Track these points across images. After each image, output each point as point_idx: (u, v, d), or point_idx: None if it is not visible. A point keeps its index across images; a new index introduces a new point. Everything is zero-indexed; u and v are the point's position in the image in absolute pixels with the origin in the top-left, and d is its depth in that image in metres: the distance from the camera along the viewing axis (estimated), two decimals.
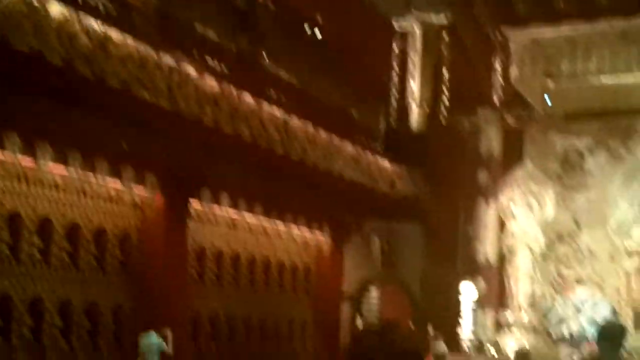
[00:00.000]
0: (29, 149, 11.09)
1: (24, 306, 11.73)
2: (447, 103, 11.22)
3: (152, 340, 12.06)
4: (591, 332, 16.87)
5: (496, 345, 15.27)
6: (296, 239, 18.34)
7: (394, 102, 11.11)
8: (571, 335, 17.14)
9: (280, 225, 17.50)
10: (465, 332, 15.64)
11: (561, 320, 17.37)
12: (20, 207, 11.64)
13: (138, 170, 13.01)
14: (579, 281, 17.59)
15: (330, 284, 19.23)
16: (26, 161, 11.33)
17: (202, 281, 15.53)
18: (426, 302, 18.32)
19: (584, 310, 17.31)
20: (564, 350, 15.15)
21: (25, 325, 11.67)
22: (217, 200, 15.20)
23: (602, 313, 16.73)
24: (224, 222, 15.94)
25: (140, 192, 13.37)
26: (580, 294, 17.48)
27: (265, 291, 17.47)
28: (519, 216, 16.59)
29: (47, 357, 11.96)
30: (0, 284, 11.37)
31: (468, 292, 16.23)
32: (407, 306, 21.27)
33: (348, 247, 19.56)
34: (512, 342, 15.82)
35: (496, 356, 14.75)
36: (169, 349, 12.19)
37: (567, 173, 17.70)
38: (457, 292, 16.47)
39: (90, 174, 12.29)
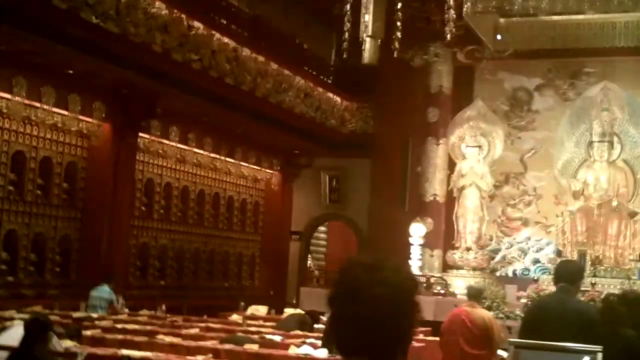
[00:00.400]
0: None
1: None
2: (399, 37, 11.06)
3: (104, 292, 11.87)
4: (536, 271, 17.33)
5: (444, 284, 15.51)
6: (246, 174, 18.30)
7: (346, 35, 10.93)
8: (516, 274, 17.57)
9: (230, 160, 17.43)
10: (414, 271, 15.79)
11: (507, 260, 17.76)
12: None
13: (86, 99, 12.77)
14: (524, 222, 17.94)
15: (279, 220, 19.30)
16: None
17: (150, 215, 15.43)
18: (374, 240, 18.48)
19: (529, 251, 17.73)
20: (510, 290, 15.47)
21: None
22: (166, 133, 15.05)
23: (547, 253, 17.15)
24: (173, 156, 15.78)
25: (87, 120, 13.13)
26: (525, 234, 17.86)
27: (214, 226, 17.45)
28: (469, 155, 16.71)
29: None
30: None
31: (417, 231, 16.35)
32: (354, 244, 21.48)
33: (297, 183, 19.59)
34: (460, 281, 16.10)
35: (444, 295, 14.98)
36: (117, 301, 12.05)
37: (516, 113, 17.89)
38: (406, 231, 16.62)
39: (37, 102, 12.05)
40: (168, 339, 8.71)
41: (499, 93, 17.94)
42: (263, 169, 18.73)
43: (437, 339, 11.82)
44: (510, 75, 17.88)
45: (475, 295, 8.68)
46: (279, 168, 18.97)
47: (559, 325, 5.21)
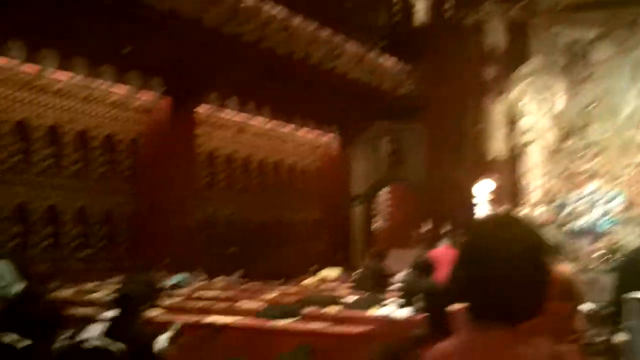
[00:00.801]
0: (34, 56, 11.10)
1: (39, 214, 11.94)
2: None
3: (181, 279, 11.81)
4: (605, 224, 17.09)
5: None
6: (304, 141, 18.43)
7: None
8: (584, 228, 17.33)
9: (288, 128, 17.57)
10: None
11: (575, 215, 17.52)
12: (29, 115, 11.71)
13: (144, 76, 13.01)
14: (590, 175, 17.64)
15: (339, 184, 19.40)
16: (31, 69, 11.34)
17: (213, 186, 15.69)
18: (437, 201, 18.44)
19: (597, 204, 17.45)
20: (580, 244, 15.32)
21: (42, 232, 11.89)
22: (224, 104, 15.22)
23: (615, 206, 16.88)
24: (232, 126, 15.99)
25: (147, 96, 13.40)
26: (592, 187, 17.58)
27: (276, 194, 17.65)
28: (529, 112, 16.51)
29: (64, 265, 12.21)
30: (15, 193, 11.54)
31: (481, 190, 16.27)
32: (417, 206, 21.45)
33: (356, 148, 19.63)
34: None
35: None
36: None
37: (574, 66, 17.54)
38: (469, 191, 16.54)
39: (97, 80, 12.34)
40: (248, 304, 8.63)
41: (555, 47, 17.60)
42: (321, 136, 18.82)
43: None
44: (565, 29, 17.51)
45: (554, 249, 8.64)
46: (336, 134, 19.03)
47: None
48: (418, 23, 10.49)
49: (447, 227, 16.23)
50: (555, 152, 17.09)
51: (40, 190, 11.99)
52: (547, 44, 17.43)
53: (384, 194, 21.68)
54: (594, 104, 17.43)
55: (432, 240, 16.21)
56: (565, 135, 17.52)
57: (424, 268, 9.58)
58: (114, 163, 13.28)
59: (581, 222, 17.41)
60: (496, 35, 17.35)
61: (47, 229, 12.04)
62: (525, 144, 16.65)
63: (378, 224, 21.50)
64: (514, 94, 16.64)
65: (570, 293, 7.70)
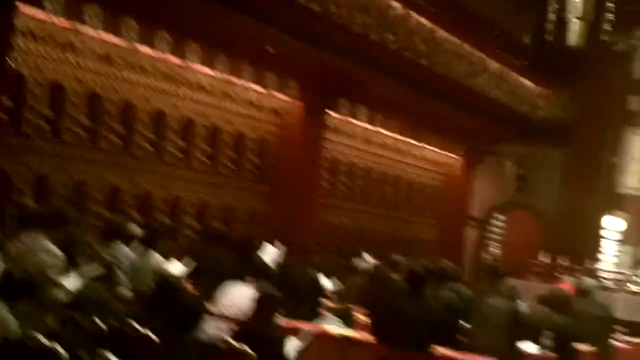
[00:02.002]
0: (178, 49, 11.14)
1: (164, 205, 11.97)
2: (609, 18, 10.42)
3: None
4: None
5: (638, 283, 14.65)
6: (429, 157, 18.06)
7: (551, 16, 10.39)
8: None
9: (414, 143, 17.25)
10: (605, 267, 15.02)
11: None
12: (166, 106, 11.76)
13: (280, 76, 12.93)
14: None
15: (458, 205, 18.95)
16: (174, 60, 11.39)
17: (334, 194, 15.51)
18: (560, 232, 17.74)
19: None
20: None
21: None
22: (354, 113, 15.03)
23: None
24: (359, 136, 15.79)
25: (281, 98, 13.32)
26: None
27: (393, 208, 17.35)
28: None
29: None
30: (143, 182, 11.59)
31: (610, 225, 15.51)
32: (535, 235, 20.72)
33: (481, 169, 19.12)
34: None
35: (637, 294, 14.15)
36: None
37: None
38: (597, 225, 15.82)
39: (234, 77, 12.32)
40: None
41: None
42: (447, 153, 18.41)
43: None
44: None
45: None
46: (463, 153, 18.57)
47: None
48: (571, 43, 9.96)
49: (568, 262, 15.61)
50: None
51: (168, 180, 12.02)
52: None
53: (503, 219, 21.03)
54: None
55: (550, 273, 15.61)
56: None
57: (558, 304, 9.05)
58: (242, 161, 13.24)
59: None
60: None
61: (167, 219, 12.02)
62: None
63: (492, 249, 20.88)
64: None
65: None
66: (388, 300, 6.98)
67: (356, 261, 10.56)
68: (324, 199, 15.04)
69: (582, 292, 10.06)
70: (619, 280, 14.36)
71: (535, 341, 8.39)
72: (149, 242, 7.63)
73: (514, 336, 8.04)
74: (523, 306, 8.42)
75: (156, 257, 7.50)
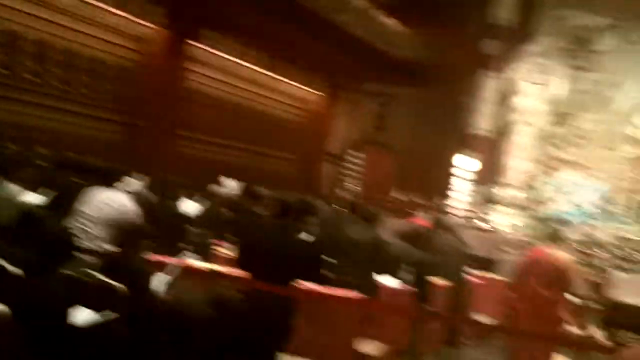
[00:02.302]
0: None
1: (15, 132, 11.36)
2: None
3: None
4: (579, 215, 17.05)
5: (486, 221, 15.29)
6: (290, 92, 17.99)
7: None
8: (558, 217, 17.26)
9: (276, 77, 17.12)
10: (456, 204, 15.56)
11: (550, 202, 17.43)
12: (18, 27, 11.06)
13: (144, 2, 12.43)
14: (571, 164, 17.54)
15: (317, 141, 19.08)
16: None
17: (194, 126, 15.21)
18: (414, 170, 18.23)
19: (574, 193, 17.38)
20: (551, 230, 15.20)
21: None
22: (217, 44, 14.71)
23: (591, 198, 16.81)
24: (222, 68, 15.48)
25: (144, 25, 12.82)
26: (571, 176, 17.49)
27: (253, 142, 17.24)
28: (524, 92, 16.26)
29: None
30: None
31: (462, 164, 16.03)
32: (390, 172, 21.23)
33: (341, 106, 19.26)
34: (503, 218, 15.89)
35: (485, 230, 14.77)
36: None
37: (577, 52, 17.30)
38: (450, 164, 16.33)
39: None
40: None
41: (562, 30, 17.33)
42: (308, 89, 18.40)
43: (493, 276, 11.73)
44: (574, 13, 17.23)
45: (555, 237, 8.44)
46: (324, 89, 18.62)
47: None
48: None
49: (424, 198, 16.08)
50: (541, 137, 16.93)
51: (19, 106, 11.39)
52: (554, 26, 17.15)
53: (360, 155, 21.38)
54: (589, 93, 17.27)
55: (404, 209, 16.04)
56: (555, 121, 17.33)
57: (417, 239, 9.30)
58: (99, 89, 12.70)
59: (555, 210, 17.35)
60: (504, 9, 17.01)
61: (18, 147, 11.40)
62: (514, 124, 16.43)
63: (349, 185, 21.23)
64: (514, 71, 16.35)
65: (564, 281, 7.44)
66: (253, 233, 6.89)
67: (216, 188, 10.35)
68: (185, 131, 14.75)
69: (440, 228, 10.38)
70: (469, 218, 14.93)
71: (395, 275, 8.60)
72: (1, 170, 7.18)
73: (375, 270, 8.20)
74: (384, 241, 8.58)
75: (10, 187, 7.08)
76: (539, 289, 8.01)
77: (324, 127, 19.20)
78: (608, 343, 11.02)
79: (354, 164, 21.35)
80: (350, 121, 19.64)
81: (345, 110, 19.45)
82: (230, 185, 10.66)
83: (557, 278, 8.03)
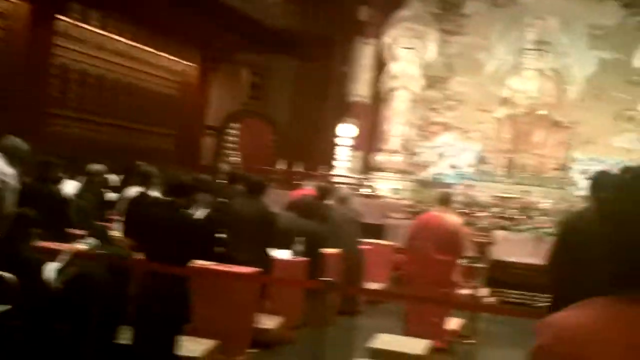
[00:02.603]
0: None
1: None
2: None
3: None
4: (454, 176, 17.50)
5: (371, 187, 15.46)
6: (164, 65, 17.55)
7: None
8: (434, 179, 17.66)
9: (149, 50, 16.64)
10: (339, 172, 15.63)
11: (426, 165, 17.80)
12: None
13: None
14: (445, 127, 17.95)
15: (195, 114, 18.73)
16: None
17: (64, 103, 14.62)
18: (295, 140, 18.22)
19: (452, 155, 17.82)
20: (433, 193, 15.51)
21: None
22: (86, 17, 14.14)
23: (468, 159, 17.27)
24: (92, 42, 14.90)
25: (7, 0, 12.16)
26: (448, 139, 17.90)
27: (128, 118, 16.76)
28: (401, 57, 16.44)
29: None
30: None
31: (342, 132, 16.08)
32: (270, 143, 21.14)
33: (217, 77, 18.96)
34: (386, 184, 16.12)
35: (369, 197, 14.93)
36: None
37: (446, 16, 17.63)
38: (330, 133, 16.38)
39: None
40: None
41: None
42: (182, 61, 18.00)
43: (382, 242, 11.87)
44: None
45: (445, 200, 8.54)
46: (198, 61, 18.26)
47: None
48: None
49: (303, 168, 16.08)
50: (417, 101, 17.20)
51: None
52: None
53: (238, 127, 21.16)
54: (460, 57, 17.65)
55: (288, 180, 16.03)
56: (429, 85, 17.64)
57: (308, 210, 9.28)
58: None
59: (431, 173, 17.76)
60: None
61: None
62: (391, 90, 16.62)
63: (230, 158, 21.02)
64: (386, 38, 16.49)
65: (456, 244, 7.59)
66: (146, 214, 6.67)
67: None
68: (54, 109, 14.16)
69: (329, 198, 10.40)
70: (354, 185, 15.05)
71: (288, 247, 8.56)
72: None
73: (267, 244, 8.13)
74: (273, 213, 8.50)
75: None
76: (432, 252, 8.14)
77: (201, 100, 18.86)
78: (494, 301, 11.41)
79: (234, 136, 21.13)
80: (227, 93, 19.38)
81: (222, 81, 19.16)
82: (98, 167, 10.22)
83: (449, 241, 8.18)
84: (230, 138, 20.83)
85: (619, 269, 1.80)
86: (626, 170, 1.90)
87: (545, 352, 1.84)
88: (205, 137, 19.58)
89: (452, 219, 8.38)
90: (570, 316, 1.84)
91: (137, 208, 7.22)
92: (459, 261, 8.30)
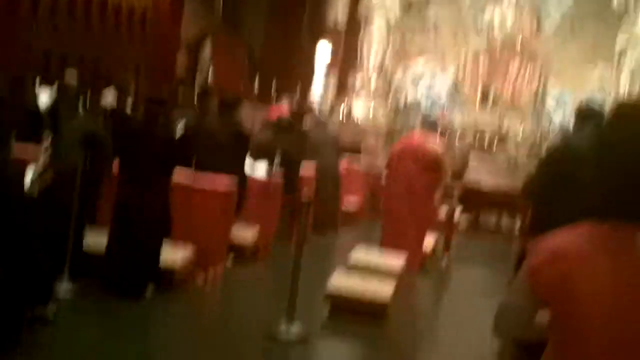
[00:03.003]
0: None
1: None
2: None
3: None
4: (428, 104, 17.48)
5: (348, 111, 15.42)
6: None
7: None
8: (406, 104, 17.59)
9: None
10: (316, 94, 15.49)
11: (400, 90, 17.71)
12: None
13: None
14: (421, 54, 17.77)
15: (167, 31, 18.39)
16: None
17: (35, 17, 14.28)
18: (268, 61, 18.06)
19: (428, 82, 17.74)
20: (403, 118, 15.56)
21: None
22: None
23: (443, 86, 17.20)
24: None
25: None
26: (424, 66, 17.78)
27: (102, 31, 16.43)
28: None
29: None
30: None
31: (319, 56, 15.80)
32: (244, 62, 20.89)
33: None
34: (363, 108, 16.10)
35: (344, 119, 14.90)
36: None
37: None
38: (305, 55, 16.22)
39: None
40: None
41: None
42: None
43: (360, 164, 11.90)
44: None
45: (429, 124, 8.56)
46: None
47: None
48: None
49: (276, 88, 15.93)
50: (393, 28, 16.98)
51: None
52: None
53: (211, 44, 20.80)
54: None
55: (264, 99, 15.92)
56: (405, 12, 17.41)
57: (286, 127, 9.25)
58: None
59: (403, 98, 17.70)
60: None
61: None
62: (367, 16, 16.41)
63: (203, 75, 20.74)
64: None
65: (438, 167, 7.64)
66: (126, 130, 6.61)
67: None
68: (27, 20, 13.84)
69: (306, 119, 10.37)
70: (332, 108, 14.97)
71: (266, 161, 8.52)
72: None
73: (241, 160, 8.01)
74: (248, 132, 8.42)
75: None
76: (414, 174, 8.19)
77: (173, 16, 18.50)
78: (468, 222, 11.58)
79: (207, 53, 20.79)
80: (201, 8, 19.01)
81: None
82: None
83: (430, 163, 8.23)
84: (204, 55, 20.48)
85: (610, 195, 1.88)
86: (626, 101, 1.98)
87: (539, 271, 1.93)
88: (178, 53, 19.27)
89: (432, 141, 8.41)
90: (562, 239, 1.95)
91: (116, 124, 7.15)
92: (439, 183, 8.36)
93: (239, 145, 8.10)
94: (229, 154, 7.90)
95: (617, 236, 1.86)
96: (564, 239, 1.93)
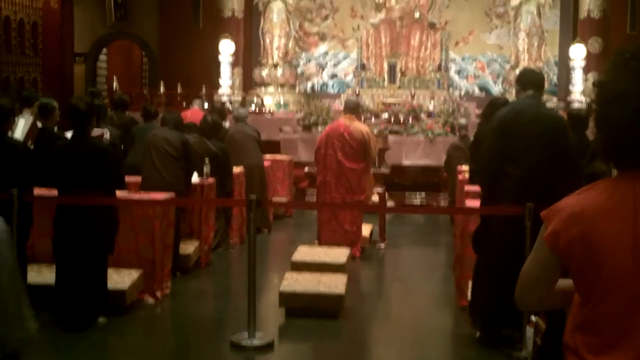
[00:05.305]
0: None
1: None
2: None
3: None
4: (334, 86, 17.55)
5: (258, 103, 15.31)
6: None
7: None
8: (314, 90, 17.61)
9: None
10: (226, 91, 15.24)
11: (305, 76, 17.71)
12: None
13: None
14: (321, 36, 17.81)
15: (60, 41, 17.87)
16: None
17: None
18: (167, 59, 17.77)
19: (327, 65, 17.79)
20: (320, 103, 15.54)
21: None
22: None
23: (348, 67, 17.26)
24: None
25: None
26: (322, 49, 17.82)
27: None
28: None
29: None
30: None
31: (223, 50, 15.53)
32: (141, 65, 20.50)
33: (78, 1, 18.11)
34: (268, 98, 16.00)
35: (257, 113, 14.78)
36: None
37: None
38: (206, 50, 15.99)
39: None
40: None
41: None
42: None
43: (278, 156, 11.81)
44: None
45: (353, 108, 8.52)
46: None
47: (533, 129, 5.19)
48: None
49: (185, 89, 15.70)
50: (292, 12, 16.92)
51: None
52: None
53: (105, 51, 20.30)
54: None
55: (172, 101, 15.63)
56: None
57: (210, 130, 9.12)
58: None
59: (310, 84, 17.73)
60: None
61: None
62: (268, 2, 16.31)
63: (101, 84, 20.24)
64: None
65: (366, 151, 7.70)
66: (55, 148, 6.36)
67: None
68: None
69: (237, 119, 10.24)
70: (241, 102, 14.84)
71: (198, 168, 8.38)
72: None
73: (178, 166, 7.86)
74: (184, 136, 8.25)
75: None
76: (343, 161, 8.19)
77: (64, 25, 17.98)
78: (395, 204, 11.67)
79: (103, 60, 20.28)
80: (92, 16, 18.52)
81: (85, 5, 18.29)
82: None
83: (359, 148, 8.24)
84: (100, 63, 19.98)
85: (621, 141, 1.87)
86: (623, 50, 1.97)
87: (559, 236, 1.93)
88: (73, 64, 18.75)
89: (361, 126, 8.42)
90: (575, 200, 1.94)
91: (44, 145, 6.88)
92: (368, 167, 8.39)
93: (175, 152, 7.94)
94: (168, 161, 7.71)
95: (628, 187, 1.88)
96: (578, 200, 1.93)
